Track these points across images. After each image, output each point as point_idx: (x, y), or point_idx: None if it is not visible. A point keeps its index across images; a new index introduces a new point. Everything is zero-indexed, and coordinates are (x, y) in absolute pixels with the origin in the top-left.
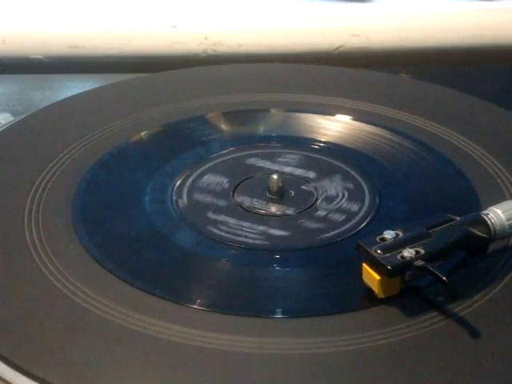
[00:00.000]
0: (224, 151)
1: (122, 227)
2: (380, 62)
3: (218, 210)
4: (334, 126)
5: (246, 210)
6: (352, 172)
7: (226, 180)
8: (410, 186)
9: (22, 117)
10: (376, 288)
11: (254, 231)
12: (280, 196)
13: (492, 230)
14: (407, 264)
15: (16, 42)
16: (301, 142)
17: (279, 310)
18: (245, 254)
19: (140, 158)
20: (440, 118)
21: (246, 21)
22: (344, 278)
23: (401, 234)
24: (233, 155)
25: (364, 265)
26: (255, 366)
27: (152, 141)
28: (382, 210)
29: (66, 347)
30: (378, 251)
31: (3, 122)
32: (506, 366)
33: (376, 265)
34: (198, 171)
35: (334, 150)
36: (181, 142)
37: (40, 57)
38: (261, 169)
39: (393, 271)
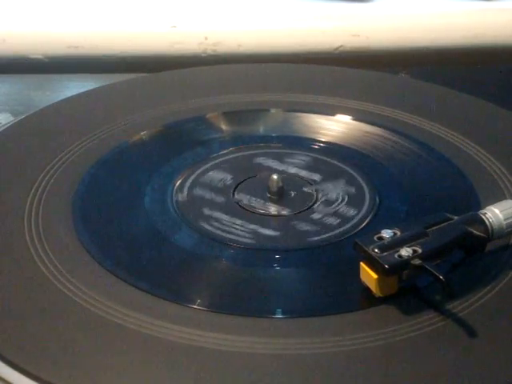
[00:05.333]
0: (224, 151)
1: (123, 227)
2: (380, 62)
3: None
4: (334, 126)
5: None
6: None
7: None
8: (410, 186)
9: (22, 117)
10: (373, 287)
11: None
12: (280, 196)
13: (490, 229)
14: (404, 263)
15: (16, 42)
16: (301, 142)
17: (279, 310)
18: (244, 254)
19: (140, 158)
20: (440, 118)
21: (246, 21)
22: (344, 278)
23: (398, 233)
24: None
25: (361, 263)
26: (255, 366)
27: (152, 141)
28: (382, 209)
29: (65, 347)
30: (376, 250)
31: (3, 122)
32: (505, 366)
33: (373, 263)
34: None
35: (334, 149)
36: (181, 142)
37: (40, 57)
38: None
39: (390, 270)
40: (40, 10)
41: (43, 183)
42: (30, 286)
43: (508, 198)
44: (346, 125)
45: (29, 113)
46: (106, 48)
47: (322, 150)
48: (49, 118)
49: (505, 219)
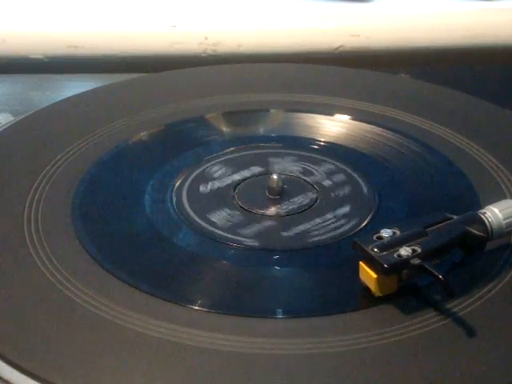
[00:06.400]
0: (224, 151)
1: (122, 228)
2: (380, 62)
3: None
4: (334, 126)
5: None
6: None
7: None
8: (410, 185)
9: (22, 117)
10: (373, 286)
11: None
12: (280, 196)
13: (489, 228)
14: (404, 262)
15: (16, 42)
16: (301, 142)
17: (279, 311)
18: (244, 255)
19: (140, 158)
20: (440, 118)
21: (246, 21)
22: (344, 278)
23: (398, 233)
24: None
25: (361, 263)
26: (255, 366)
27: (152, 141)
28: (382, 209)
29: (65, 347)
30: (375, 249)
31: (3, 122)
32: (505, 366)
33: (373, 263)
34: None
35: (334, 149)
36: (181, 142)
37: (40, 57)
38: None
39: (389, 269)
40: (40, 9)
41: (43, 183)
42: (29, 286)
43: (508, 198)
44: (345, 125)
45: (29, 113)
46: (106, 48)
47: (321, 150)
48: (49, 117)
49: (504, 219)
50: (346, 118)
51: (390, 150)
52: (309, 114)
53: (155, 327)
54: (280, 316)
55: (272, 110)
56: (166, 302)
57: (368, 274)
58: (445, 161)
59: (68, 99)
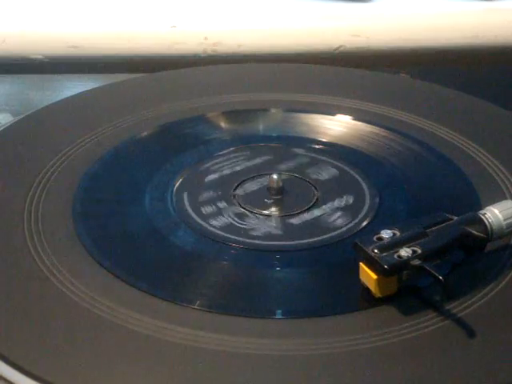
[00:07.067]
0: (224, 151)
1: (123, 227)
2: (380, 62)
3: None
4: (334, 126)
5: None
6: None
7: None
8: (410, 186)
9: (22, 117)
10: (373, 287)
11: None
12: (280, 196)
13: (489, 229)
14: (404, 263)
15: (16, 42)
16: (301, 142)
17: (279, 311)
18: (244, 254)
19: (140, 158)
20: (440, 117)
21: (246, 21)
22: (344, 278)
23: (398, 234)
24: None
25: (361, 264)
26: (254, 367)
27: (152, 141)
28: (382, 210)
29: (65, 347)
30: (375, 250)
31: (3, 122)
32: (505, 366)
33: (373, 264)
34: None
35: (334, 149)
36: (181, 142)
37: (40, 57)
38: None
39: (389, 270)
40: (40, 9)
41: (42, 183)
42: (29, 285)
43: (508, 199)
44: (346, 125)
45: (29, 113)
46: (106, 48)
47: (322, 150)
48: (49, 118)
49: (504, 219)
50: (346, 117)
51: (390, 149)
52: (309, 114)
53: (154, 326)
54: (280, 316)
55: (272, 110)
56: (166, 302)
57: (368, 275)
58: (445, 161)
59: (68, 99)
